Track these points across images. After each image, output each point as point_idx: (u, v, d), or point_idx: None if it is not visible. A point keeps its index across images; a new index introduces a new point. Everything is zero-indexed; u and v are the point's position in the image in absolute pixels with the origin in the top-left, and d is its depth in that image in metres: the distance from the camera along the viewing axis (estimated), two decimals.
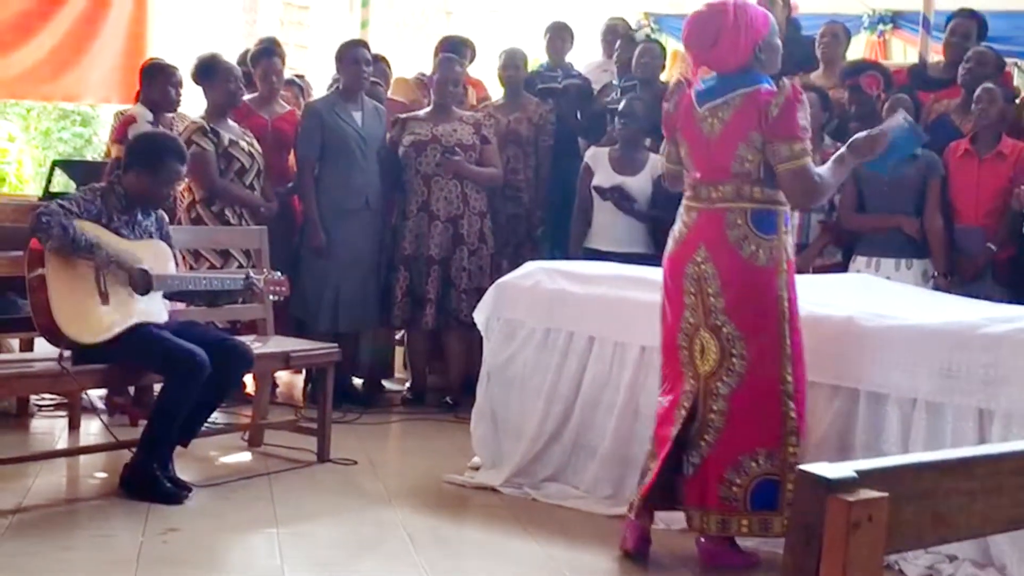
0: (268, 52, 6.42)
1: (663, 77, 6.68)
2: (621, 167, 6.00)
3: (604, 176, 5.99)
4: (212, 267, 5.62)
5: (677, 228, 3.89)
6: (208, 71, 5.85)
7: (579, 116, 6.65)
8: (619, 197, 5.91)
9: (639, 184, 5.96)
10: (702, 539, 3.88)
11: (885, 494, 1.40)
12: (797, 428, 3.73)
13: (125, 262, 4.29)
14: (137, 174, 4.45)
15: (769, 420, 3.72)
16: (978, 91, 5.37)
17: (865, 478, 1.42)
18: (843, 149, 3.93)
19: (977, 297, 4.79)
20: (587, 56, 7.47)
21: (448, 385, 6.39)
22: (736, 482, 3.73)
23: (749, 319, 3.73)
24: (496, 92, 6.96)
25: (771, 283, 3.72)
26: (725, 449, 3.75)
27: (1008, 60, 6.79)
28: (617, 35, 7.09)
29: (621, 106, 6.00)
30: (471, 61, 7.04)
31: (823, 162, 5.35)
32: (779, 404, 3.72)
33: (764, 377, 3.72)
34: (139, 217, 4.49)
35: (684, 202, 3.91)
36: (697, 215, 3.82)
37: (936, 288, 5.23)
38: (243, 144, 5.82)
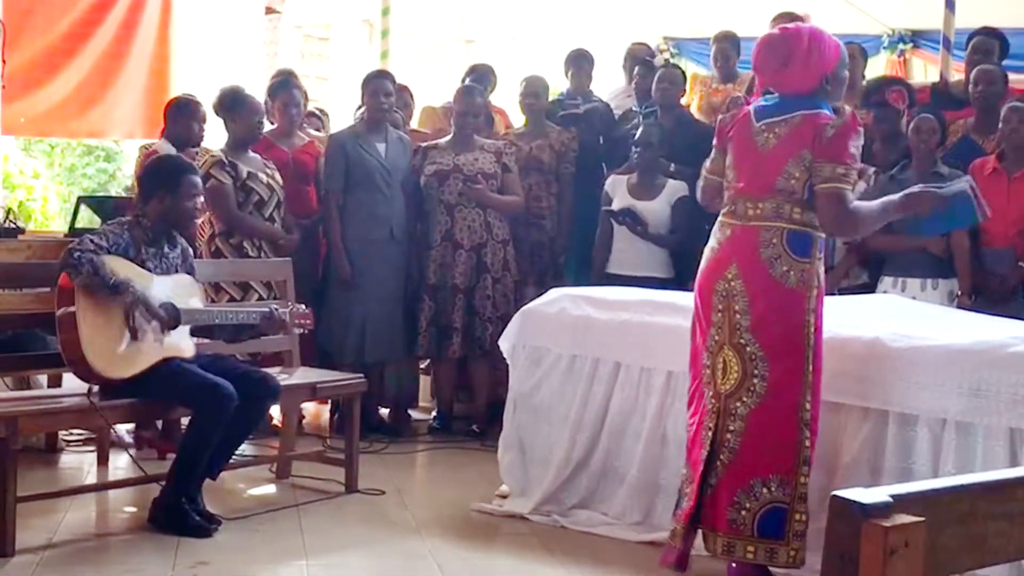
0: (286, 84, 6.45)
1: (683, 101, 6.69)
2: (638, 192, 6.02)
3: (620, 201, 6.01)
4: (232, 299, 5.63)
5: (710, 245, 3.89)
6: (232, 104, 5.87)
7: (601, 141, 6.65)
8: (630, 220, 5.92)
9: (654, 208, 5.97)
10: (733, 564, 3.85)
11: (922, 519, 1.38)
12: (809, 457, 3.72)
13: (152, 306, 4.31)
14: (159, 199, 4.49)
15: (784, 446, 3.70)
16: (1005, 110, 5.35)
17: (900, 503, 1.40)
18: (895, 197, 3.88)
19: (1006, 317, 4.75)
20: (608, 83, 7.48)
21: (474, 413, 6.38)
22: (746, 506, 3.72)
23: (773, 339, 3.71)
24: (518, 120, 6.98)
25: (799, 306, 3.71)
26: (738, 471, 3.74)
27: None
28: (639, 61, 7.10)
29: (638, 134, 6.01)
30: (493, 89, 7.06)
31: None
32: (796, 431, 3.69)
33: (783, 401, 3.70)
34: (165, 249, 4.52)
35: (720, 219, 3.90)
36: (731, 231, 3.82)
37: (960, 308, 5.19)
38: (262, 177, 5.83)
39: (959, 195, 3.80)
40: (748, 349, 3.73)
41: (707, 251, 3.90)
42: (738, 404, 3.74)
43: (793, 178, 3.71)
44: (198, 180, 4.62)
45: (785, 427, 3.69)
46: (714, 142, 4.03)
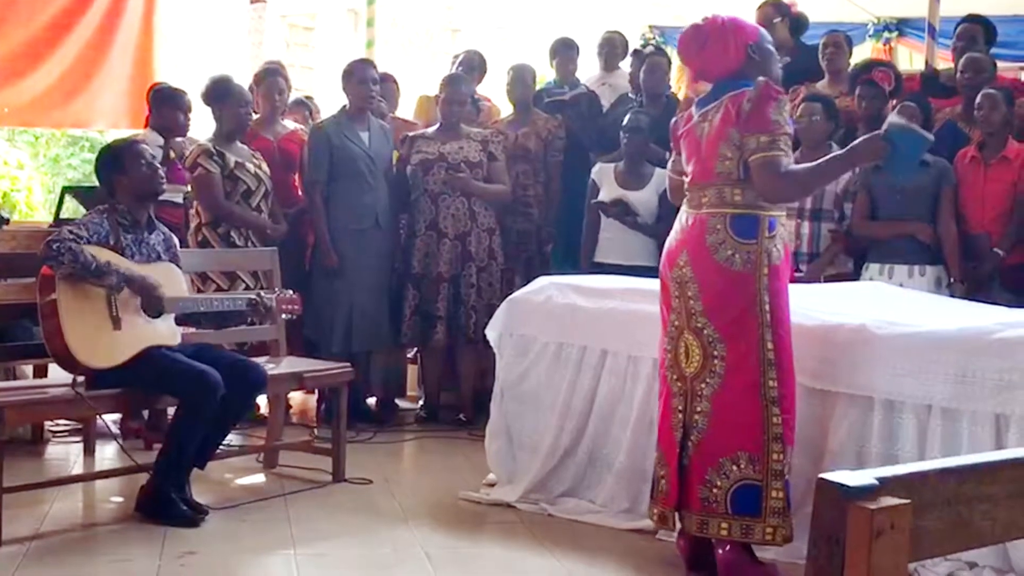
0: (271, 72, 6.47)
1: (672, 89, 6.69)
2: (626, 182, 6.02)
3: (608, 191, 6.01)
4: (219, 289, 5.62)
5: (671, 234, 3.96)
6: (219, 94, 5.86)
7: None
8: (621, 211, 5.92)
9: (643, 198, 5.97)
10: (719, 551, 3.87)
11: (907, 501, 1.39)
12: (782, 435, 3.73)
13: (136, 281, 4.30)
14: (118, 180, 4.47)
15: (750, 424, 3.72)
16: (979, 97, 5.38)
17: (886, 485, 1.41)
18: (839, 152, 3.93)
19: (984, 303, 4.77)
20: (590, 71, 7.47)
21: (461, 402, 6.39)
22: (716, 484, 3.75)
23: (726, 322, 3.75)
24: (504, 109, 6.97)
25: (748, 287, 3.73)
26: (707, 450, 3.78)
27: (1016, 65, 6.78)
28: (614, 48, 7.09)
29: (626, 121, 6.02)
30: (482, 77, 7.05)
31: None
32: (759, 408, 3.72)
33: (742, 379, 3.73)
34: (145, 235, 4.50)
35: (681, 209, 3.97)
36: (686, 219, 3.89)
37: (951, 294, 5.21)
38: (249, 166, 5.82)
39: (891, 129, 3.71)
40: (705, 332, 3.78)
41: (667, 240, 3.98)
42: (703, 386, 3.79)
43: (727, 159, 3.75)
44: (141, 147, 4.57)
45: (747, 405, 3.72)
46: (672, 144, 4.10)
